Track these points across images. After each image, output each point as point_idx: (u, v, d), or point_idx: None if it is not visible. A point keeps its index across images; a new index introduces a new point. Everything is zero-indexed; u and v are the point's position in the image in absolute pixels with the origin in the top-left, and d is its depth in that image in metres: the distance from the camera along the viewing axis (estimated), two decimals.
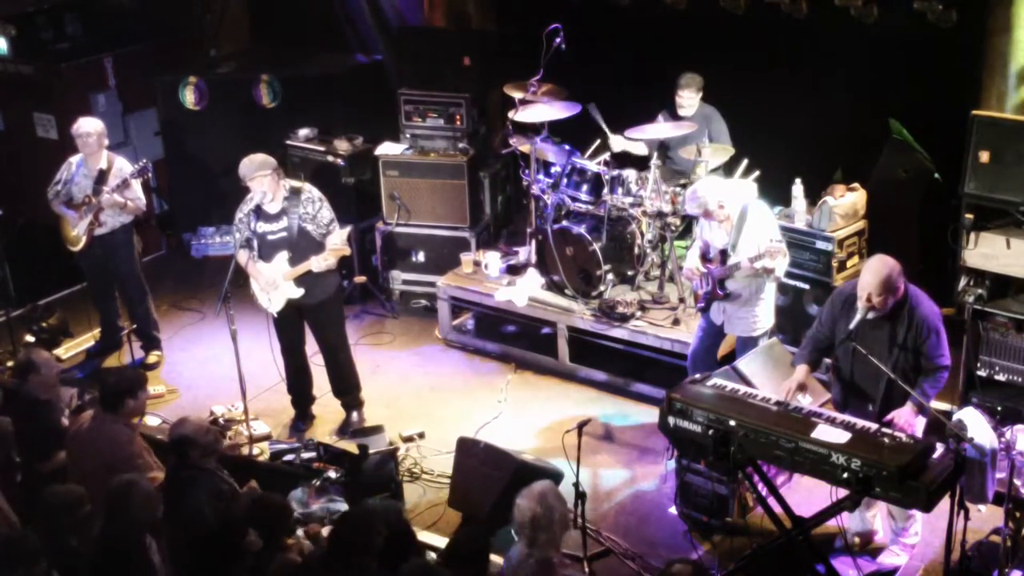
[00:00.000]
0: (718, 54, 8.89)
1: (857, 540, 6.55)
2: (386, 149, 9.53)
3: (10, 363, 8.31)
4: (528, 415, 8.09)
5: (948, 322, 6.26)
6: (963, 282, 7.29)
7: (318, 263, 7.36)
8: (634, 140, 8.57)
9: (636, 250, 8.55)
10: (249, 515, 5.53)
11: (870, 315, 6.01)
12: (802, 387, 6.19)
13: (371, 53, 10.93)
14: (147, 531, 5.50)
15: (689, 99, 8.52)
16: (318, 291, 7.52)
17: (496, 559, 6.12)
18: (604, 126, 8.66)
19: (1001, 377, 7.23)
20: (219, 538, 5.49)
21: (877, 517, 6.58)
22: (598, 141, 8.78)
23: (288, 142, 9.78)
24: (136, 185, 8.42)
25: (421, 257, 9.58)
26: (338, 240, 7.41)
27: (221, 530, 5.55)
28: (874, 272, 5.97)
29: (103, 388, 6.49)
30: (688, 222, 8.12)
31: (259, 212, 7.38)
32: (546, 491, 5.21)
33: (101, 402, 6.44)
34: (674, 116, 8.56)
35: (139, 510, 5.44)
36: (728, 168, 8.42)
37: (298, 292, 7.48)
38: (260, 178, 7.28)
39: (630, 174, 8.38)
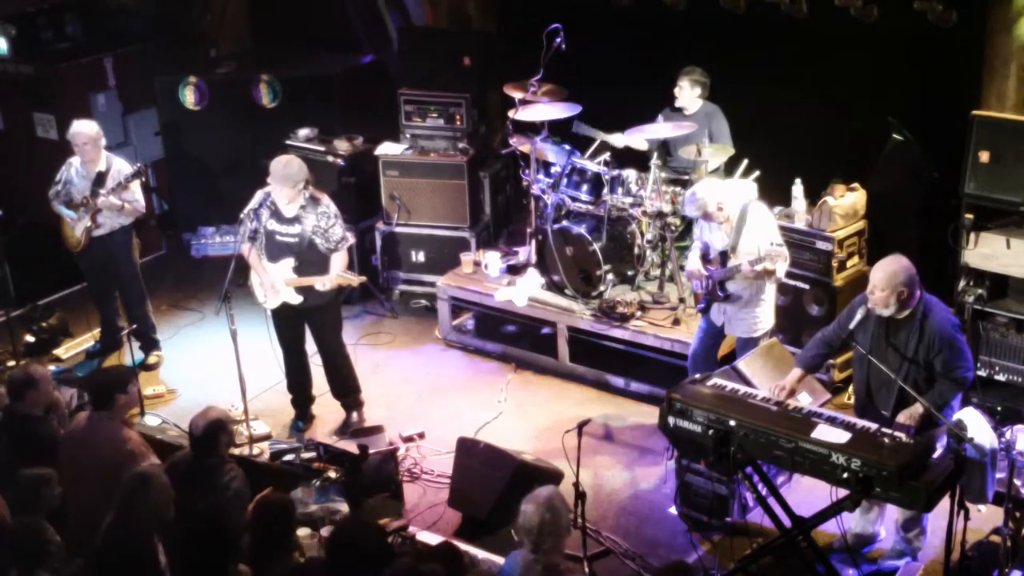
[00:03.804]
0: (718, 54, 8.87)
1: (859, 541, 6.55)
2: (386, 149, 9.53)
3: (10, 363, 8.33)
4: (528, 415, 8.09)
5: None
6: (963, 282, 7.29)
7: (322, 283, 7.37)
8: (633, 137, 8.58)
9: (636, 250, 8.54)
10: (253, 517, 5.50)
11: (859, 314, 6.01)
12: (791, 392, 6.17)
13: (378, 52, 10.92)
14: (158, 525, 5.49)
15: (684, 90, 8.43)
16: (315, 295, 7.50)
17: (495, 558, 6.15)
18: (598, 134, 8.66)
19: (1001, 377, 7.23)
20: (219, 534, 5.45)
21: (879, 521, 6.57)
22: (598, 140, 8.78)
23: (288, 142, 9.76)
24: (135, 187, 8.37)
25: (421, 257, 9.58)
26: (340, 263, 7.43)
27: (223, 527, 5.51)
28: (881, 267, 5.97)
29: (92, 388, 6.47)
30: (688, 222, 8.11)
31: (275, 211, 7.38)
32: (552, 496, 5.18)
33: (92, 401, 6.42)
34: (675, 115, 8.56)
35: (156, 501, 5.43)
36: (728, 168, 8.41)
37: (297, 299, 7.48)
38: (281, 185, 7.27)
39: (630, 174, 8.38)
